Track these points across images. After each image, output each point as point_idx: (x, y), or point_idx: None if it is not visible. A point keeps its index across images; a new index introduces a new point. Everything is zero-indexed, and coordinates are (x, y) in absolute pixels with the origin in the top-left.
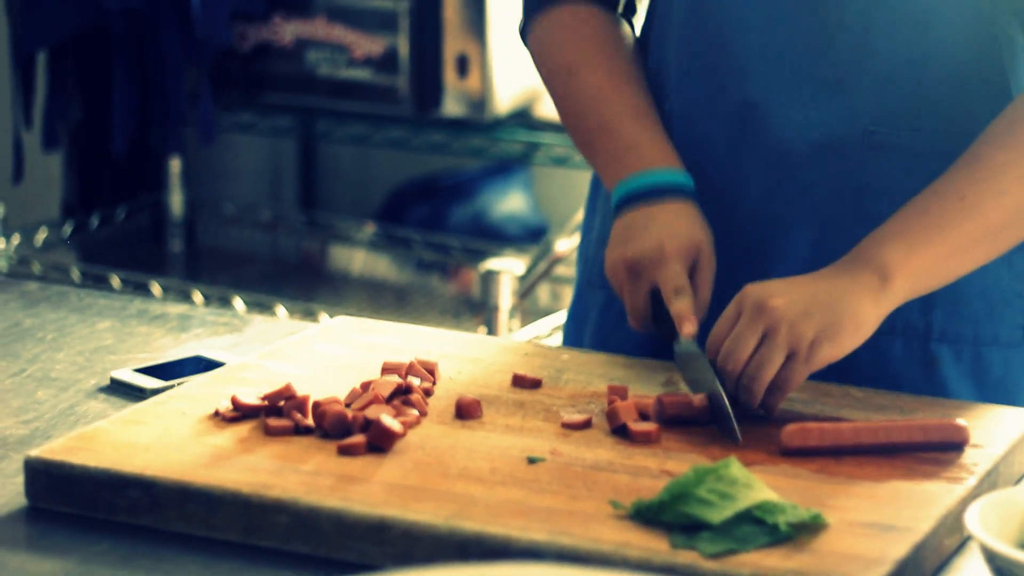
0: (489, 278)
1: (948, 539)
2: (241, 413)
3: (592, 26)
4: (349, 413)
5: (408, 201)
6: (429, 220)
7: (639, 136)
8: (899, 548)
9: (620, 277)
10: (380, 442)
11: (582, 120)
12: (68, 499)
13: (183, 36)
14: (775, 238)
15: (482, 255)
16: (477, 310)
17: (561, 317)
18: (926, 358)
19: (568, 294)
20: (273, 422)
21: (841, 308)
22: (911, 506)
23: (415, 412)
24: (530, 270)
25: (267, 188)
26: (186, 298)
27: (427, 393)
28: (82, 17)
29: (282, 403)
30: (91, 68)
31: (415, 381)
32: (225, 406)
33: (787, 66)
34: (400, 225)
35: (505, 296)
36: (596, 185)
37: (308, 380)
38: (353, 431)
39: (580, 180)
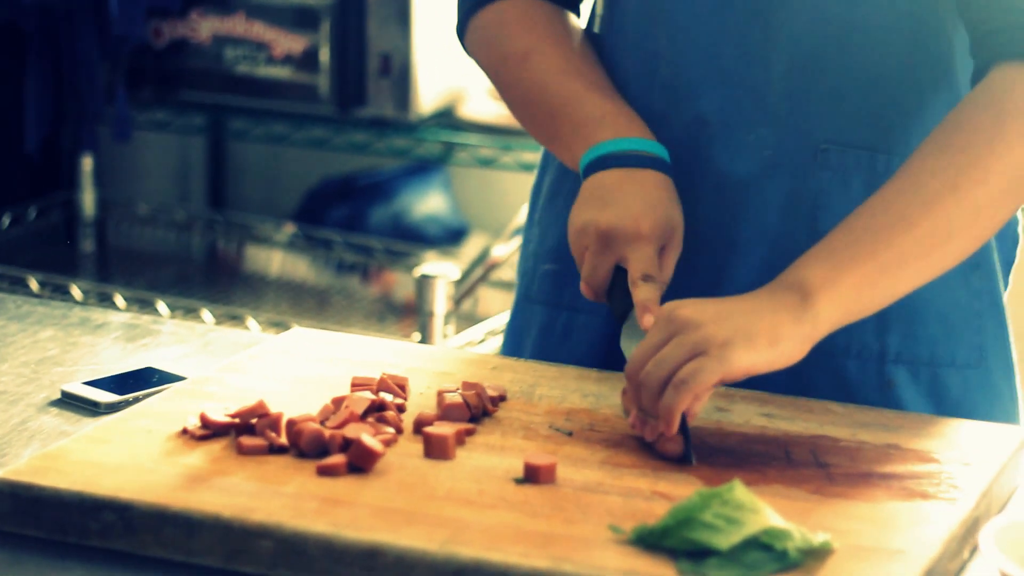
0: (424, 283)
1: (951, 563)
2: (211, 431)
3: (541, 14)
4: (326, 432)
5: (326, 201)
6: (348, 221)
7: (607, 107)
8: (911, 573)
9: (587, 242)
10: (361, 462)
11: (541, 100)
12: (37, 522)
13: (99, 32)
14: (727, 258)
15: (403, 256)
16: (401, 313)
17: (494, 323)
18: (882, 380)
19: (497, 299)
20: (247, 441)
21: (756, 319)
22: (914, 528)
23: (391, 430)
24: (466, 275)
25: (175, 187)
26: (104, 300)
27: (400, 409)
28: None
29: (254, 421)
30: (2, 63)
31: (387, 397)
32: (193, 423)
33: (737, 83)
34: (318, 226)
35: (441, 302)
36: (536, 198)
37: (275, 395)
38: (331, 450)
39: (500, 180)
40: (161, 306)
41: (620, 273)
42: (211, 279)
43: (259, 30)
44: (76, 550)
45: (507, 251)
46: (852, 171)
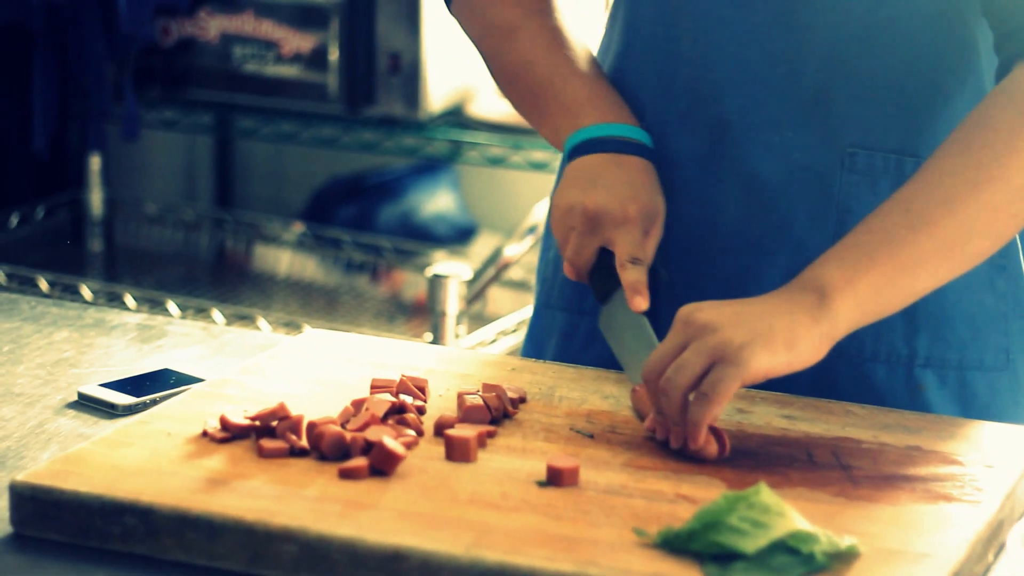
0: (436, 283)
1: (977, 566)
2: (231, 434)
3: None
4: (347, 434)
5: (334, 200)
6: (357, 220)
7: (594, 90)
8: None
9: (573, 223)
10: (383, 465)
11: (526, 75)
12: (58, 526)
13: (106, 31)
14: (752, 263)
15: (412, 256)
16: (410, 313)
17: (506, 323)
18: (910, 384)
19: (507, 298)
20: (267, 444)
21: (773, 321)
22: (939, 531)
23: (412, 432)
24: (478, 275)
25: (183, 186)
26: (113, 300)
27: (420, 411)
28: (2, 11)
29: (275, 423)
30: (9, 63)
31: (407, 399)
32: (213, 426)
33: (762, 84)
34: (326, 225)
35: (453, 301)
36: None
37: (294, 398)
38: (353, 453)
39: (509, 179)
40: (171, 306)
41: (603, 255)
42: (219, 279)
43: (267, 29)
44: (97, 554)
45: (519, 251)
46: (880, 175)
